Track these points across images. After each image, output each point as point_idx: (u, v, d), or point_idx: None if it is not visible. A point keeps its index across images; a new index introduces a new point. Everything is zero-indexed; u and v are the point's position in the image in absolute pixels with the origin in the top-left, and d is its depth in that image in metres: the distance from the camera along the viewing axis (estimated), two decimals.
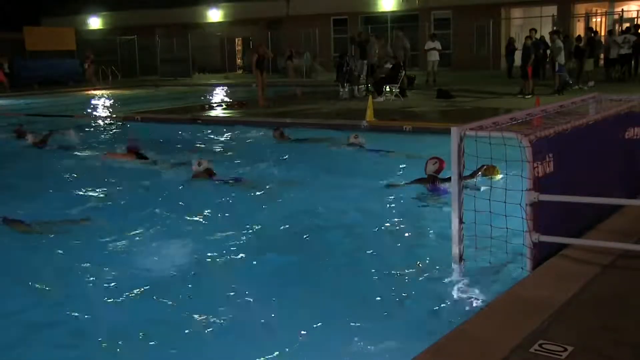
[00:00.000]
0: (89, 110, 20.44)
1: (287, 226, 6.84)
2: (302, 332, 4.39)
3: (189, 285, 5.34)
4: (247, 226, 6.82)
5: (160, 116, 17.23)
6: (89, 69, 30.51)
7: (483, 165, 6.94)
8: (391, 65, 19.91)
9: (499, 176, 7.35)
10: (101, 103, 23.55)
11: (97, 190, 8.72)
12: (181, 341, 4.40)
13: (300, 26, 34.77)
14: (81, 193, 8.62)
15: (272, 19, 37.29)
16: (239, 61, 40.14)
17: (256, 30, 37.52)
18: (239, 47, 40.54)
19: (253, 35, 38.24)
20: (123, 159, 10.79)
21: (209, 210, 7.52)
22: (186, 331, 4.52)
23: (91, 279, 5.54)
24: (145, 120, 16.42)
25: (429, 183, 7.79)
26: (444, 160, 7.43)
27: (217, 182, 8.71)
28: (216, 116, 17.14)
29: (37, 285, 5.40)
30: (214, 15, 40.23)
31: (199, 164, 8.91)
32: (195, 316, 4.73)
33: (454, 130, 4.66)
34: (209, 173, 8.84)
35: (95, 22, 44.16)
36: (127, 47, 36.64)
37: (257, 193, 8.32)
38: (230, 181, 8.75)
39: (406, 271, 5.41)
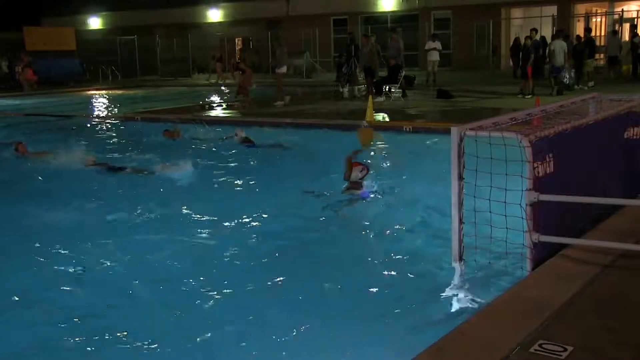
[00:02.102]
0: (90, 110, 20.53)
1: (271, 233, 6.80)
2: (301, 332, 4.39)
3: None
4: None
5: (160, 116, 17.21)
6: (23, 72, 28.46)
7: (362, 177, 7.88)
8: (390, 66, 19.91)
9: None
10: (101, 103, 23.57)
11: None
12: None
13: (300, 26, 34.76)
14: None
15: (272, 19, 37.30)
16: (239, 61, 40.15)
17: (256, 30, 37.54)
18: (239, 47, 40.56)
19: (253, 35, 38.27)
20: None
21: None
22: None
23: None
24: (145, 120, 16.42)
25: (358, 190, 7.82)
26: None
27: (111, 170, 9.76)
28: (216, 116, 17.14)
29: None
30: (214, 15, 40.25)
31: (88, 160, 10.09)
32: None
33: (454, 130, 4.66)
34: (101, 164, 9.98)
35: (95, 22, 44.20)
36: (127, 47, 36.61)
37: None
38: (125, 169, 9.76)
39: (405, 271, 5.41)
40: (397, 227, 6.68)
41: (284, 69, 18.85)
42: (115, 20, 42.59)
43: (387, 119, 14.53)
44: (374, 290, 5.06)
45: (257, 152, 11.35)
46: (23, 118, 18.14)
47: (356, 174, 7.91)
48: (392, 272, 5.42)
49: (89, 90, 28.70)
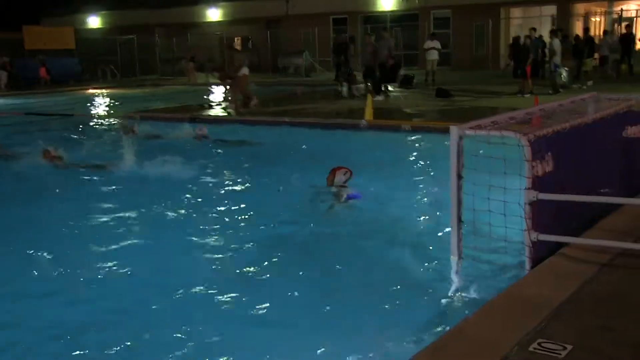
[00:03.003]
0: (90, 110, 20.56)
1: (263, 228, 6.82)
2: (299, 332, 4.39)
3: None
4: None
5: (159, 115, 17.21)
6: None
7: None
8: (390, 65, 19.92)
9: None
10: (101, 103, 23.56)
11: None
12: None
13: (300, 26, 34.76)
14: None
15: (271, 18, 37.29)
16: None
17: (255, 29, 37.54)
18: (238, 47, 40.52)
19: (252, 34, 38.26)
20: None
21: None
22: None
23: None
24: (145, 120, 16.39)
25: (345, 193, 7.73)
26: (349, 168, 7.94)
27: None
28: (215, 116, 17.13)
29: None
30: (214, 14, 40.24)
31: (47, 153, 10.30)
32: None
33: (453, 130, 4.66)
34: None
35: (94, 22, 44.18)
36: (127, 47, 36.58)
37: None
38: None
39: (404, 271, 5.41)
40: (395, 226, 6.65)
41: (245, 71, 18.70)
42: (114, 19, 42.56)
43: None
44: (372, 289, 5.04)
45: (251, 152, 11.31)
46: (22, 117, 18.14)
47: (340, 177, 7.89)
48: (390, 272, 5.40)
49: (87, 89, 28.70)
